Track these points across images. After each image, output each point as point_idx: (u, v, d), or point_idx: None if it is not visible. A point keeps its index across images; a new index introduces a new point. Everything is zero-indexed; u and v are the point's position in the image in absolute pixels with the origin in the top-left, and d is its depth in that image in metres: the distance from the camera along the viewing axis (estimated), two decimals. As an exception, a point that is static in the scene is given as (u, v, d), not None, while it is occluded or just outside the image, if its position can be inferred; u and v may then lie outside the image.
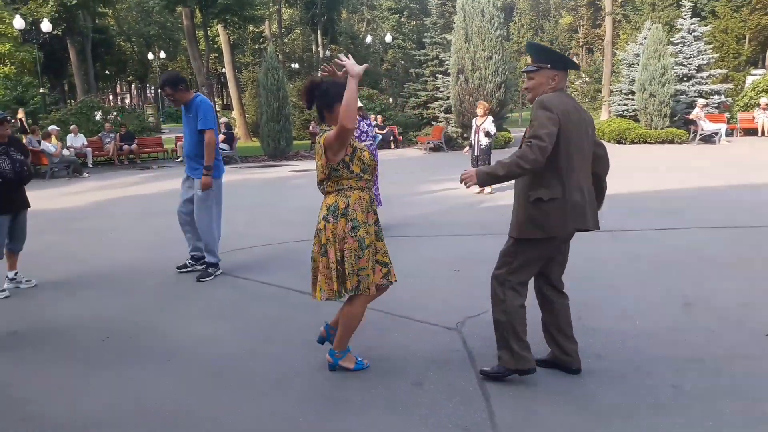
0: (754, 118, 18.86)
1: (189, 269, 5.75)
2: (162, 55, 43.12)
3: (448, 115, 19.97)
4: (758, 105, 18.93)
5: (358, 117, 6.96)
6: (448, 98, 19.71)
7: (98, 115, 19.43)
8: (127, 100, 65.95)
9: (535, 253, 3.18)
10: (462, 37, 17.08)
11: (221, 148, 16.81)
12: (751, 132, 18.90)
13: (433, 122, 21.18)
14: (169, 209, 9.39)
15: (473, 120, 9.49)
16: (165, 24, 45.89)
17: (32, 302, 5.02)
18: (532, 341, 3.30)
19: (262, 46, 38.60)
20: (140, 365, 3.68)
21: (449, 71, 19.04)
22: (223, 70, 38.71)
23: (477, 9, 16.82)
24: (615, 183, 10.02)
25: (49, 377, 3.57)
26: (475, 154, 9.43)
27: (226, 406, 3.16)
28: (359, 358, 3.49)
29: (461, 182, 3.16)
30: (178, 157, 18.54)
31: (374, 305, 4.49)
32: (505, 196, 9.09)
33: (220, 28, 24.01)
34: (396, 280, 3.39)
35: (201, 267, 5.68)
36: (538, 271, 3.30)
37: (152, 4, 25.72)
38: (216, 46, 31.43)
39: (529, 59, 3.32)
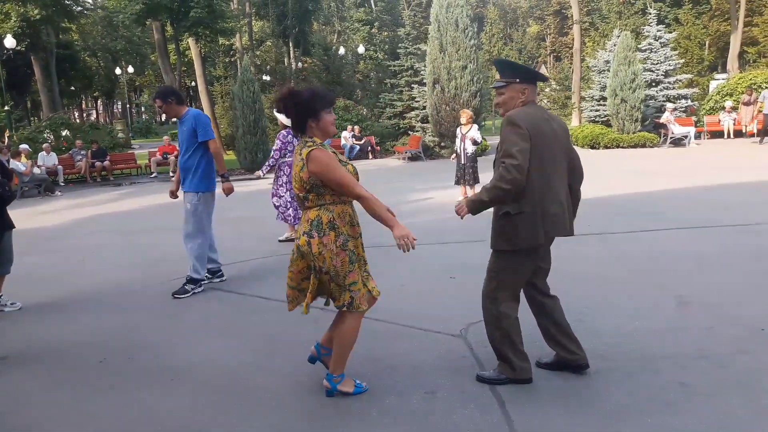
0: (720, 121, 19.40)
1: (206, 282, 5.65)
2: (130, 69, 42.52)
3: (424, 125, 20.09)
4: (723, 108, 19.49)
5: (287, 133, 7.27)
6: (424, 108, 19.84)
7: (65, 133, 19.02)
8: (93, 116, 64.81)
9: (515, 264, 3.23)
10: (437, 47, 17.23)
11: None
12: (717, 134, 19.42)
13: (410, 132, 21.27)
14: (150, 226, 9.31)
15: (458, 129, 9.54)
16: (132, 38, 45.30)
17: (19, 326, 4.86)
18: (533, 345, 3.32)
19: (232, 59, 38.41)
20: (145, 385, 3.59)
21: (425, 81, 19.18)
22: (194, 83, 38.43)
23: (451, 19, 16.99)
24: (595, 186, 10.30)
25: (50, 403, 3.46)
26: (462, 162, 9.49)
27: (238, 422, 3.10)
28: (358, 381, 3.35)
29: (457, 214, 3.26)
30: (152, 173, 18.27)
31: (377, 315, 4.49)
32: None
33: (191, 41, 23.77)
34: (379, 294, 3.28)
35: (217, 280, 5.70)
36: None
37: (121, 18, 25.37)
38: (186, 59, 31.16)
39: (497, 75, 3.34)
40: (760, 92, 17.60)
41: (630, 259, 5.84)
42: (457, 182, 9.62)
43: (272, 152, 7.44)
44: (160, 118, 69.18)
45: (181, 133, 5.40)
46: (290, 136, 7.22)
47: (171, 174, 17.69)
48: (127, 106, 55.88)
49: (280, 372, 3.68)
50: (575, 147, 10.76)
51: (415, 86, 20.90)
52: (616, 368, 3.48)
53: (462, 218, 3.29)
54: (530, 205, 3.09)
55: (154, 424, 3.14)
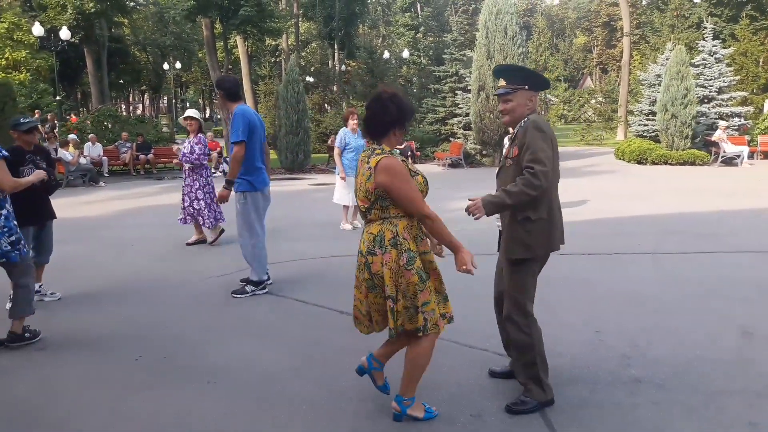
0: (776, 140, 18.65)
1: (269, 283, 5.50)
2: (177, 65, 43.35)
3: (466, 132, 19.84)
4: (779, 128, 18.74)
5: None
6: (467, 114, 19.59)
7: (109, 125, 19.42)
8: (139, 110, 66.35)
9: (533, 271, 3.17)
10: (484, 54, 16.99)
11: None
12: (772, 155, 18.68)
13: (451, 138, 21.05)
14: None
15: (505, 138, 9.32)
16: (181, 34, 46.20)
17: (58, 317, 4.85)
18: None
19: (277, 59, 38.79)
20: (179, 386, 3.51)
21: (469, 87, 18.94)
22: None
23: (500, 26, 16.74)
24: (645, 203, 9.94)
25: (84, 399, 3.40)
26: None
27: (269, 427, 2.98)
28: (428, 406, 3.09)
29: (468, 213, 3.05)
30: (194, 168, 18.44)
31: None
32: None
33: (238, 39, 24.05)
34: (448, 322, 3.04)
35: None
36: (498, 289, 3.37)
37: (172, 14, 25.79)
38: (233, 57, 31.58)
39: (501, 82, 3.17)
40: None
41: (685, 283, 5.53)
42: None
43: (194, 150, 7.28)
44: (204, 115, 70.52)
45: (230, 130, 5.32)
46: (204, 139, 7.41)
47: (213, 170, 17.84)
48: (173, 101, 56.98)
49: (318, 380, 3.55)
50: (622, 161, 10.44)
51: (459, 92, 20.67)
52: (677, 401, 3.24)
53: (476, 219, 3.08)
54: (546, 211, 3.07)
55: (187, 425, 3.05)
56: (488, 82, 17.00)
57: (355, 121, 8.17)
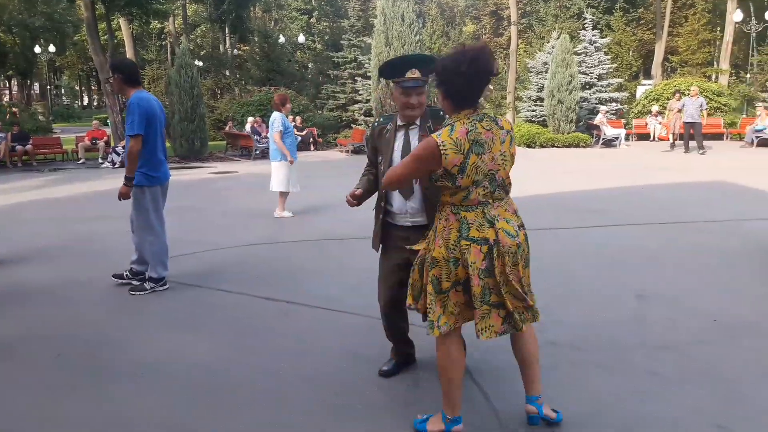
0: (647, 124, 20.46)
1: (125, 281, 5.25)
2: (51, 48, 40.08)
3: (368, 118, 20.05)
4: (650, 112, 20.54)
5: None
6: (367, 101, 19.79)
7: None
8: (6, 97, 60.75)
9: None
10: (382, 41, 17.22)
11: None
12: (644, 137, 20.45)
13: (352, 125, 21.18)
14: (86, 215, 8.80)
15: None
16: (53, 15, 42.62)
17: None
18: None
19: (164, 42, 36.98)
20: (111, 383, 3.39)
21: (368, 74, 19.12)
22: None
23: (397, 13, 17.02)
24: (541, 183, 10.59)
25: (6, 406, 3.19)
26: None
27: (222, 418, 2.98)
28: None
29: None
30: (80, 159, 17.34)
31: (354, 309, 4.45)
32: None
33: (122, 21, 22.71)
34: None
35: (137, 283, 5.17)
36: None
37: (48, -6, 23.83)
38: (117, 40, 29.76)
39: (415, 73, 2.93)
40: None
41: (584, 254, 6.05)
42: None
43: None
44: (81, 102, 65.77)
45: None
46: None
47: (100, 160, 16.86)
48: (48, 87, 52.71)
49: (256, 366, 3.56)
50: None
51: (359, 79, 20.80)
52: (590, 359, 3.58)
53: None
54: None
55: (128, 422, 2.97)
56: (387, 68, 17.25)
57: (290, 105, 8.29)
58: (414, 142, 3.05)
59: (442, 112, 3.01)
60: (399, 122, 3.11)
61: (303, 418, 2.97)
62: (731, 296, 4.69)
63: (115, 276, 5.33)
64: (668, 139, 17.63)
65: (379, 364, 3.51)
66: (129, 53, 23.97)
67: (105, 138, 17.90)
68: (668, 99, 19.76)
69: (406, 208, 3.11)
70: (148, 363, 3.64)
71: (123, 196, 4.92)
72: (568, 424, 2.86)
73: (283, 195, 8.28)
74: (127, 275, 5.29)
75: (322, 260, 6.04)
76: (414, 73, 2.96)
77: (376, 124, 3.29)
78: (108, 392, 3.28)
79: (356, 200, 3.18)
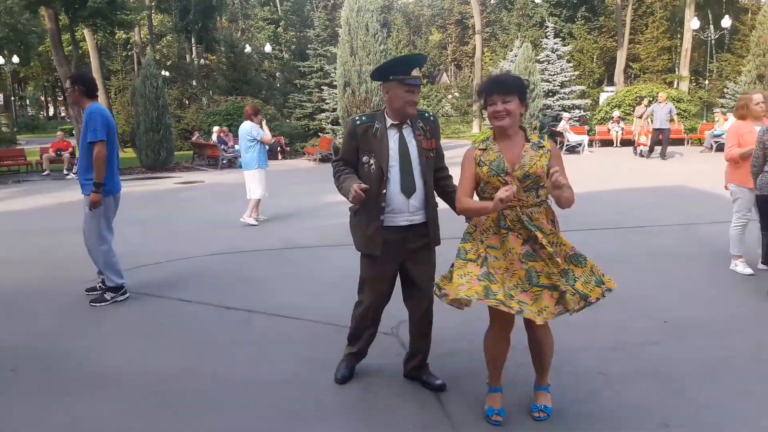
0: (609, 130, 20.91)
1: (99, 292, 5.23)
2: (15, 59, 39.30)
3: (335, 127, 20.12)
4: (612, 118, 21.02)
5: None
6: (334, 110, 19.86)
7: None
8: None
9: None
10: (347, 50, 17.31)
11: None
12: (607, 143, 20.90)
13: (320, 133, 21.22)
14: (49, 227, 8.67)
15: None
16: (16, 26, 41.83)
17: None
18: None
19: (130, 53, 36.56)
20: (69, 393, 3.38)
21: (335, 83, 19.20)
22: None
23: (361, 23, 17.13)
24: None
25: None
26: None
27: (175, 425, 3.01)
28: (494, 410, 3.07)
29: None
30: (44, 170, 17.03)
31: (313, 317, 4.49)
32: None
33: (87, 32, 22.38)
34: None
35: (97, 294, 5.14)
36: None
37: (8, 4, 23.21)
38: (81, 50, 29.32)
39: (416, 72, 3.09)
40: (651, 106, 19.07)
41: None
42: None
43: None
44: (48, 113, 64.43)
45: (82, 129, 4.97)
46: None
47: (65, 172, 16.58)
48: (12, 98, 51.56)
49: (213, 375, 3.59)
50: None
51: (325, 88, 20.87)
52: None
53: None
54: None
55: (85, 430, 2.97)
56: (353, 78, 17.36)
57: (261, 116, 8.58)
58: (410, 141, 3.14)
59: (427, 114, 3.26)
60: (391, 121, 3.13)
61: (256, 424, 3.01)
62: (684, 298, 4.86)
63: (88, 291, 5.29)
64: (646, 145, 17.58)
65: (334, 369, 3.56)
66: (94, 64, 23.63)
67: (70, 149, 17.59)
68: (630, 105, 20.26)
69: (407, 207, 3.14)
70: (107, 373, 3.64)
71: (95, 204, 4.88)
72: (514, 423, 2.95)
73: (257, 202, 8.48)
74: (99, 286, 5.26)
75: (286, 269, 6.07)
76: (417, 73, 3.07)
77: (358, 122, 3.17)
78: (63, 403, 3.27)
79: (365, 194, 3.02)
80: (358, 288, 3.39)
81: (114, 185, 5.08)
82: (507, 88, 2.84)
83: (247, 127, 8.32)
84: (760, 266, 5.44)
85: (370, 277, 3.29)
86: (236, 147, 18.16)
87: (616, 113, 20.81)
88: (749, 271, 5.41)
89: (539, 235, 2.81)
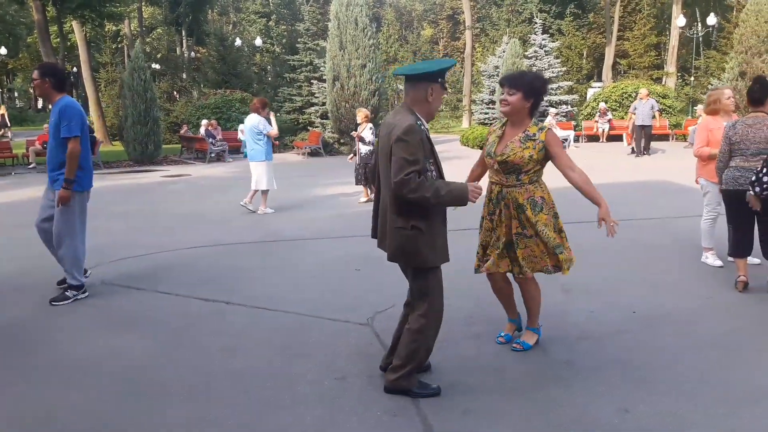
0: (596, 123, 21.05)
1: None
2: (3, 51, 38.99)
3: (324, 121, 20.15)
4: (598, 112, 21.14)
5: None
6: (323, 104, 19.88)
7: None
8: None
9: None
10: (337, 45, 17.34)
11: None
12: (593, 138, 21.05)
13: (309, 127, 21.24)
14: (32, 220, 8.61)
15: (358, 127, 9.68)
16: (4, 17, 41.50)
17: None
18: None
19: (120, 45, 36.37)
20: (44, 381, 3.45)
21: (324, 77, 19.22)
22: (76, 69, 35.94)
23: (350, 18, 17.16)
24: (483, 183, 10.82)
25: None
26: (356, 162, 9.62)
27: (150, 413, 3.08)
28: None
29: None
30: (30, 163, 16.98)
31: (288, 308, 4.58)
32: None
33: (75, 24, 22.26)
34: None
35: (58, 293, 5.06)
36: None
37: (-5, -5, 23.06)
38: (70, 43, 29.12)
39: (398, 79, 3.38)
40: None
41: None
42: (357, 182, 9.75)
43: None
44: (36, 105, 63.95)
45: (51, 123, 4.89)
46: None
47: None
48: (0, 90, 51.17)
49: (189, 364, 3.66)
50: (467, 147, 11.32)
51: (315, 82, 20.88)
52: (509, 353, 3.78)
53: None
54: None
55: (57, 420, 3.04)
56: (342, 72, 17.40)
57: (269, 109, 8.75)
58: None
59: None
60: (425, 122, 3.09)
61: (228, 411, 3.08)
62: (656, 289, 4.97)
63: (59, 283, 5.29)
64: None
65: (309, 359, 3.65)
66: (83, 56, 23.52)
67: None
68: (616, 101, 20.38)
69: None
70: (83, 363, 3.70)
71: (64, 200, 4.84)
72: (480, 410, 3.06)
73: (265, 193, 8.80)
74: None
75: (269, 261, 6.14)
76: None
77: (422, 126, 3.02)
78: (38, 391, 3.33)
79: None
80: (433, 304, 3.19)
81: (88, 181, 5.04)
82: (515, 82, 3.44)
83: (254, 121, 8.51)
84: (730, 259, 5.57)
85: (440, 286, 3.21)
86: (225, 141, 18.22)
87: (602, 105, 20.86)
88: (719, 263, 5.54)
89: (503, 208, 3.67)
